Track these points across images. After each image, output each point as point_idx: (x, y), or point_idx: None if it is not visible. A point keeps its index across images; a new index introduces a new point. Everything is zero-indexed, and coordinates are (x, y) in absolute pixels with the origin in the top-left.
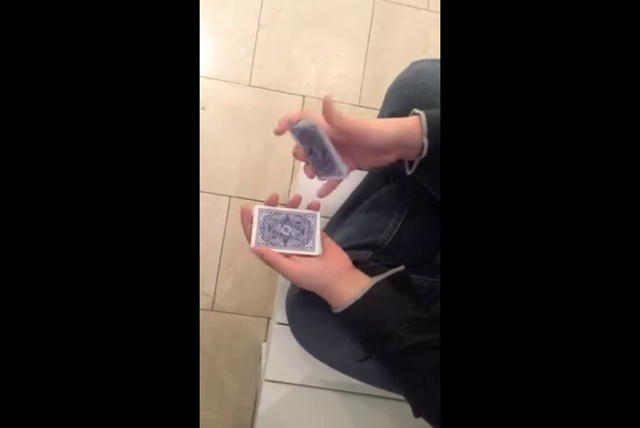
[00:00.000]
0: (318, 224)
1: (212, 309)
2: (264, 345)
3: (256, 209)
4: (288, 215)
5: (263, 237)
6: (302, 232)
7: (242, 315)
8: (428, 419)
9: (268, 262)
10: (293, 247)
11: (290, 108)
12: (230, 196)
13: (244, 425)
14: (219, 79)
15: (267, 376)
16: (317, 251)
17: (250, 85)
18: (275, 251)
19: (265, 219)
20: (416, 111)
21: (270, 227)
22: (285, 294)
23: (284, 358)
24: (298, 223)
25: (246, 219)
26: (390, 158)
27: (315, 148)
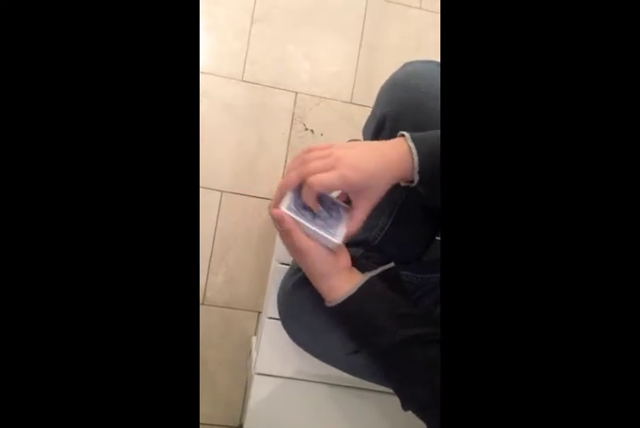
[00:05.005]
0: (345, 218)
1: (203, 303)
2: (254, 339)
3: None
4: (322, 196)
5: (295, 204)
6: (331, 217)
7: (233, 309)
8: (416, 412)
9: (287, 231)
10: (318, 226)
11: (282, 104)
12: (222, 191)
13: (234, 418)
14: (213, 74)
15: (258, 370)
16: (337, 240)
17: (243, 80)
18: (299, 221)
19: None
20: (409, 141)
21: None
22: (277, 288)
23: (275, 352)
24: (330, 209)
25: (285, 186)
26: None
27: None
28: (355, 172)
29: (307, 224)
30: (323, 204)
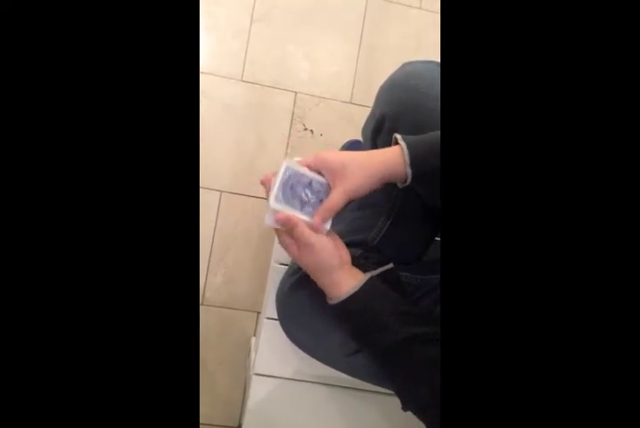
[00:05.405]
0: None
1: (202, 304)
2: (253, 339)
3: (284, 165)
4: (312, 180)
5: (283, 194)
6: (320, 202)
7: (232, 309)
8: (416, 413)
9: (294, 226)
10: (307, 214)
11: (282, 104)
12: (221, 191)
13: (234, 419)
14: (212, 74)
15: (257, 370)
16: (328, 226)
17: (242, 80)
18: (289, 212)
19: (290, 177)
20: (399, 140)
21: (292, 187)
22: (275, 289)
23: (274, 353)
24: (318, 192)
25: (268, 186)
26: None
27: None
28: (333, 152)
29: (296, 213)
30: (311, 189)
